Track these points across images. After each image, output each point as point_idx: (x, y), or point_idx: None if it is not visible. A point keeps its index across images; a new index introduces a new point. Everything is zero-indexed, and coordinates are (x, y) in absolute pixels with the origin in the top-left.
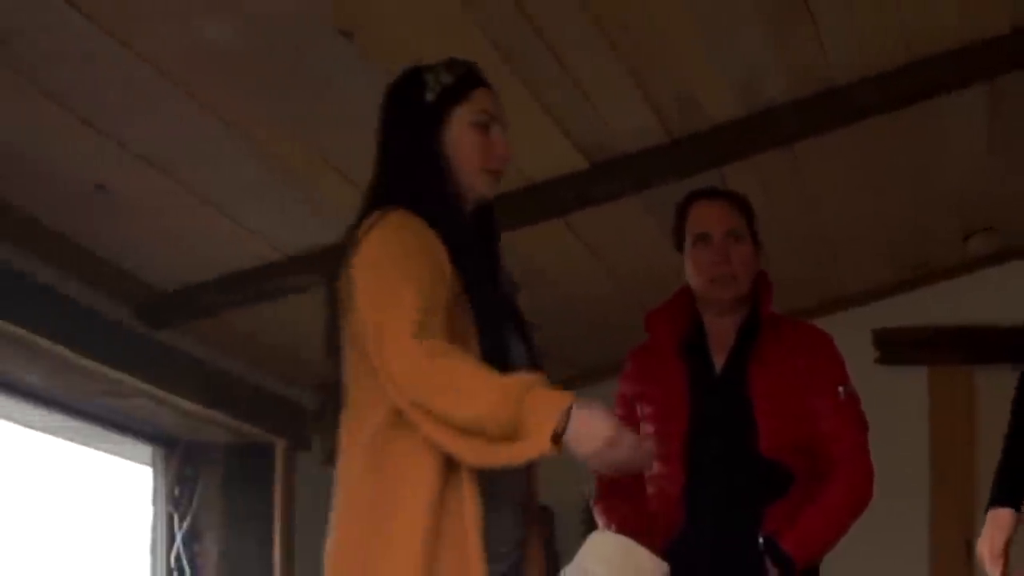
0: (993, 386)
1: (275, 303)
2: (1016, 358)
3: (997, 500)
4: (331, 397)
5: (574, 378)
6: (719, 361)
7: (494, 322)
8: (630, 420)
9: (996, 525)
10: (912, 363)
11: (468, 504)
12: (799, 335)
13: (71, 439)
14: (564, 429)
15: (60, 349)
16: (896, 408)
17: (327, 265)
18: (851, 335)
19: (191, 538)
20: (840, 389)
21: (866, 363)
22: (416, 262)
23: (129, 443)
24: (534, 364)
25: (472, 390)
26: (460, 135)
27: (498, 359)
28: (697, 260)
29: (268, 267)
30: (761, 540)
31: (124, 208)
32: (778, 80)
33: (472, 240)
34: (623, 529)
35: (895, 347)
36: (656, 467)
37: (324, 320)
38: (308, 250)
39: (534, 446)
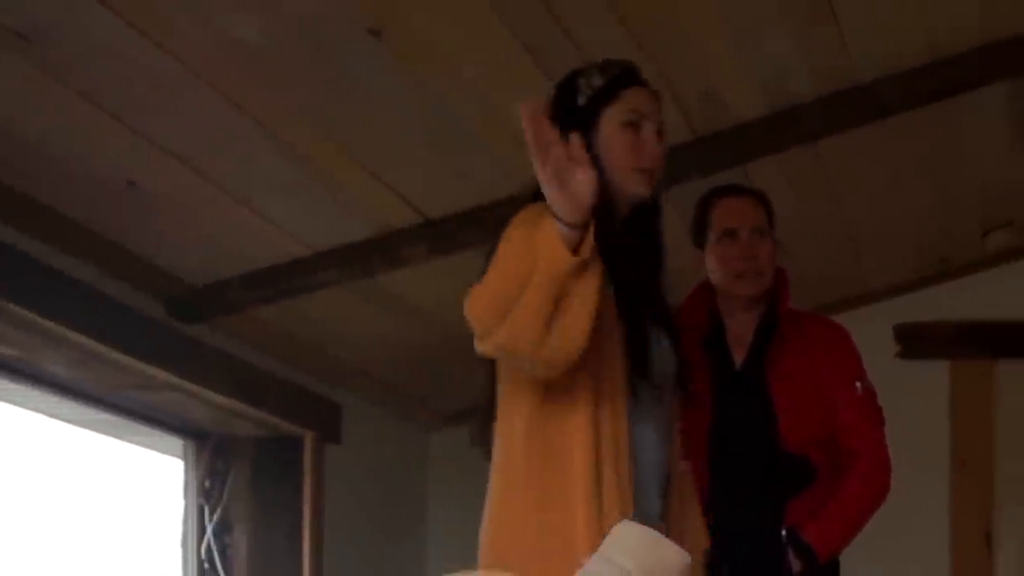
0: (1014, 380)
1: (303, 299)
2: None
3: None
4: (485, 393)
5: None
6: (739, 357)
7: (637, 314)
8: None
9: None
10: (933, 357)
11: (613, 500)
12: (817, 330)
13: (103, 432)
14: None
15: (92, 343)
16: (917, 402)
17: (354, 261)
18: (873, 330)
19: (221, 530)
20: (857, 384)
21: (888, 358)
22: None
23: (160, 436)
24: (679, 358)
25: (500, 275)
26: (610, 136)
27: (640, 350)
28: (723, 255)
29: (296, 263)
30: (784, 533)
31: (155, 205)
32: (802, 78)
33: (618, 236)
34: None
35: (917, 342)
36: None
37: None
38: (335, 246)
39: (554, 245)
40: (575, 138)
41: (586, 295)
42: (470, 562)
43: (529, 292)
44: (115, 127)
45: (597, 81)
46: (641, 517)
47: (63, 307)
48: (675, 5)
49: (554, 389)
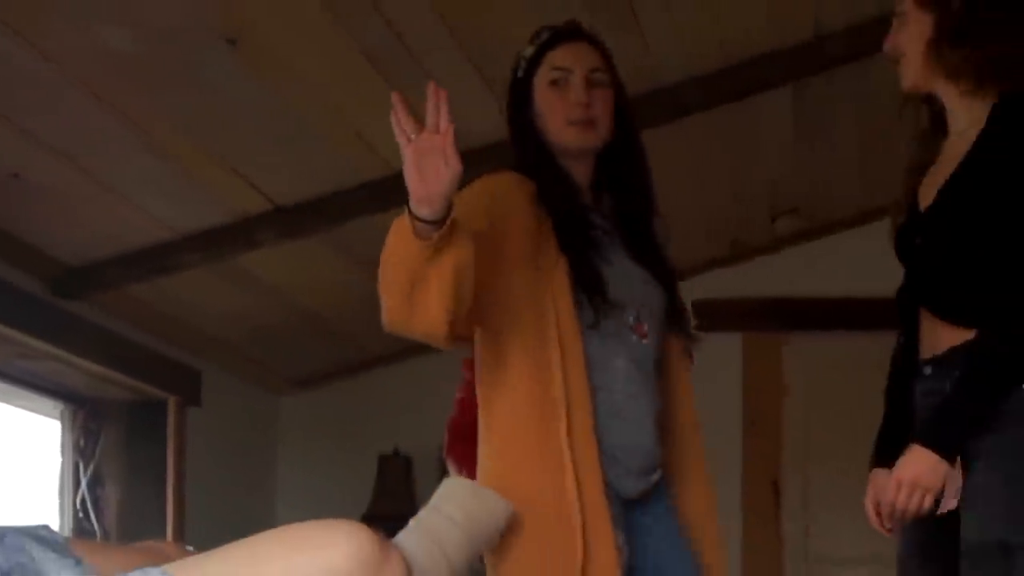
0: (798, 350)
1: (168, 278)
2: (819, 326)
3: (874, 463)
4: None
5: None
6: None
7: (578, 250)
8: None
9: (873, 485)
10: (727, 330)
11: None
12: None
13: None
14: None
15: None
16: (714, 369)
17: (214, 244)
18: None
19: (94, 484)
20: None
21: None
22: (466, 208)
23: (40, 400)
24: (672, 301)
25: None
26: (541, 99)
27: (590, 283)
28: None
29: (163, 246)
30: None
31: (37, 194)
32: None
33: (557, 186)
34: (472, 475)
35: (712, 317)
36: None
37: None
38: (198, 231)
39: (407, 227)
40: (449, 130)
41: (443, 275)
42: (316, 513)
43: (386, 276)
44: (1, 124)
45: (528, 52)
46: (626, 460)
47: None
48: (493, 12)
49: (490, 352)
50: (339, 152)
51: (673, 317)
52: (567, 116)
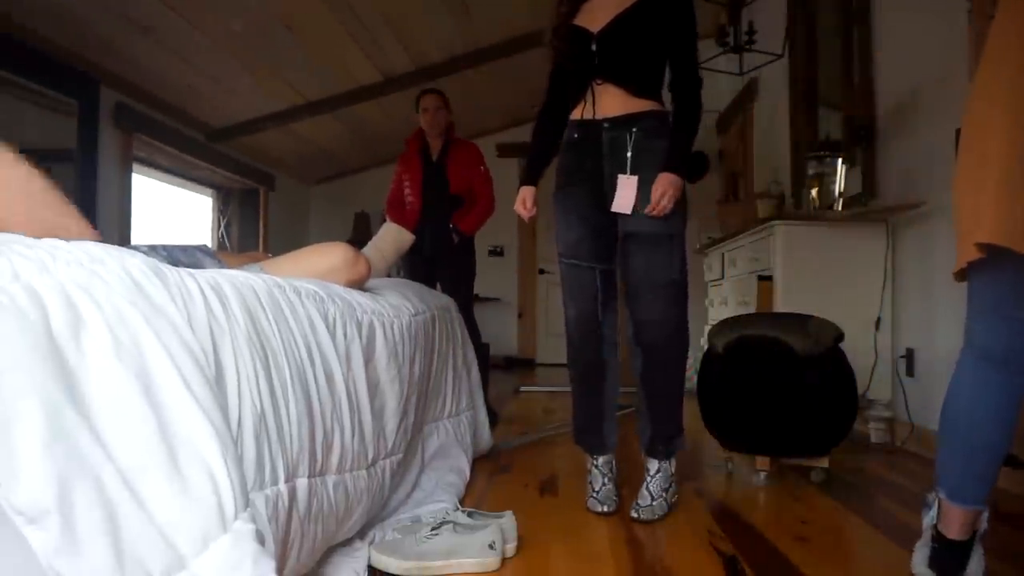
0: None
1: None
2: None
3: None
4: None
5: None
6: (434, 154)
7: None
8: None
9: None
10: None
11: None
12: (463, 145)
13: None
14: None
15: None
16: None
17: None
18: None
19: (228, 226)
20: (482, 168)
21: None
22: None
23: (200, 188)
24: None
25: None
26: None
27: None
28: (424, 116)
29: None
30: (451, 225)
31: None
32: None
33: None
34: (395, 221)
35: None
36: (408, 200)
37: None
38: None
39: None
40: None
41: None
42: (327, 239)
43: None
44: None
45: None
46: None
47: None
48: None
49: None
50: None
51: None
52: None
